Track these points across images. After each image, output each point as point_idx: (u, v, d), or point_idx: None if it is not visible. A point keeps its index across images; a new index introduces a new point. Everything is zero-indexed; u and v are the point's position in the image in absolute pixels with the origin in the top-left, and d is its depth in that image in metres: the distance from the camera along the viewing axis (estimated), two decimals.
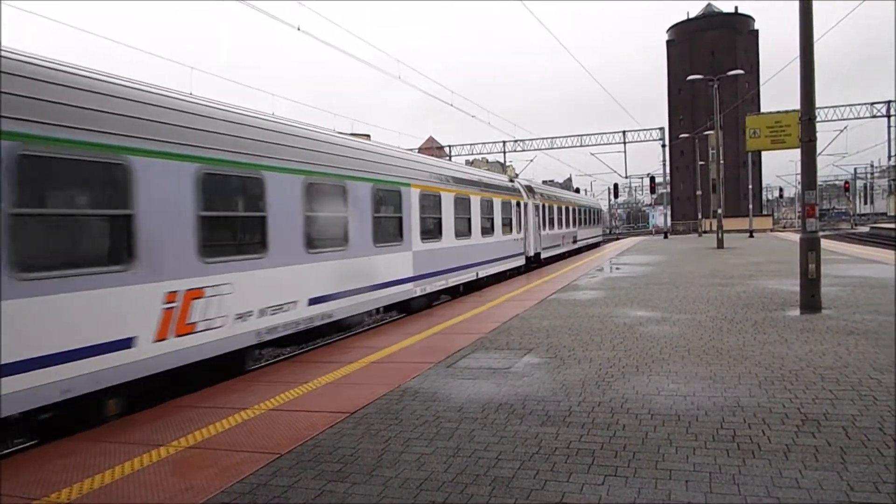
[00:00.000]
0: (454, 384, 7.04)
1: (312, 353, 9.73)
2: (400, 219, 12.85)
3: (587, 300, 13.99)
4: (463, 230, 16.62)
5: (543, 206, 27.75)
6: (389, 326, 11.81)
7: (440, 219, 15.08)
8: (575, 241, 36.33)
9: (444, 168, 16.54)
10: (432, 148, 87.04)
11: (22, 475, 4.90)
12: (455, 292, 16.68)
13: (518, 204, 22.92)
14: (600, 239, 48.74)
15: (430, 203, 14.41)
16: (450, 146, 67.94)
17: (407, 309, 13.69)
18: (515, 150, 65.89)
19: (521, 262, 23.07)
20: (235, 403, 6.69)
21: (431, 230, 14.49)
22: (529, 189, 25.70)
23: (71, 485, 4.65)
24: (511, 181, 23.71)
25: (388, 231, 12.33)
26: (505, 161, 77.43)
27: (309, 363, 8.81)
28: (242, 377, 8.20)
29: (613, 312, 11.91)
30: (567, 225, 33.79)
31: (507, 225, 21.18)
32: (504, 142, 65.52)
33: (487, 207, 18.88)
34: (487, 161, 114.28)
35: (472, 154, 69.69)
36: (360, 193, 11.24)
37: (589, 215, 42.74)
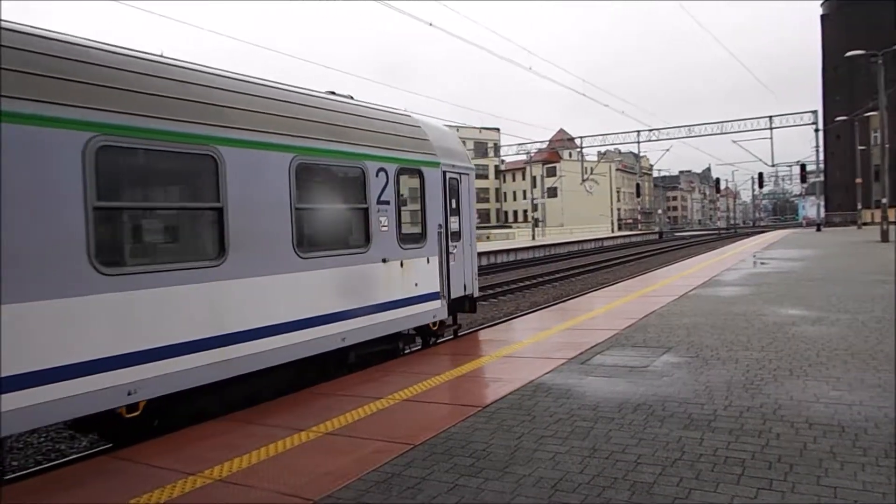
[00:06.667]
0: (589, 381, 6.81)
1: (442, 346, 9.83)
2: None
3: (731, 296, 13.12)
4: None
5: None
6: (519, 321, 11.71)
7: None
8: None
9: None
10: (563, 140, 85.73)
11: (184, 451, 5.30)
12: None
13: None
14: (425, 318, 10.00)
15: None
16: (581, 137, 66.35)
17: None
18: (650, 140, 63.22)
19: None
20: (371, 393, 6.87)
21: None
22: None
23: (222, 462, 4.96)
24: None
25: None
26: (639, 151, 74.73)
27: (440, 356, 8.90)
28: (377, 367, 8.42)
29: (761, 310, 11.07)
30: None
31: None
32: (638, 131, 63.10)
33: None
34: (620, 152, 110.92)
35: (604, 145, 67.77)
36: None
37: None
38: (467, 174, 10.95)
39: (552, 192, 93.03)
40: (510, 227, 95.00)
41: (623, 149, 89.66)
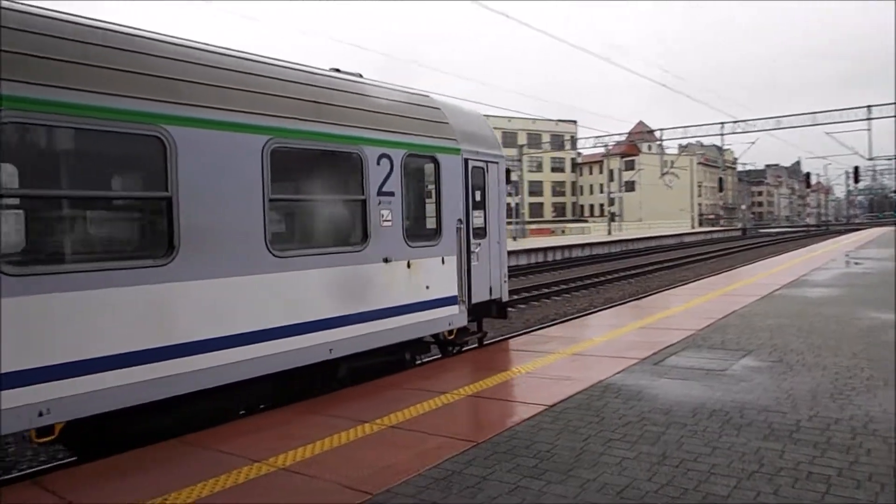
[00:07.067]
0: (661, 384, 6.54)
1: (511, 342, 9.70)
2: None
3: (819, 298, 12.38)
4: None
5: None
6: (593, 317, 11.44)
7: None
8: None
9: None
10: (642, 132, 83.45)
11: (250, 437, 5.40)
12: None
13: None
14: None
15: None
16: (661, 130, 64.28)
17: None
18: (734, 132, 60.53)
19: None
20: (436, 387, 6.82)
21: None
22: None
23: (286, 451, 5.02)
24: None
25: None
26: (722, 144, 71.82)
27: (509, 352, 8.78)
28: (442, 362, 8.38)
29: (852, 313, 10.38)
30: None
31: None
32: (722, 123, 60.52)
33: None
34: (702, 144, 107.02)
35: (686, 137, 65.41)
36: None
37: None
38: (496, 163, 9.50)
39: (630, 186, 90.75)
40: (586, 221, 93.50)
41: (706, 141, 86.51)
